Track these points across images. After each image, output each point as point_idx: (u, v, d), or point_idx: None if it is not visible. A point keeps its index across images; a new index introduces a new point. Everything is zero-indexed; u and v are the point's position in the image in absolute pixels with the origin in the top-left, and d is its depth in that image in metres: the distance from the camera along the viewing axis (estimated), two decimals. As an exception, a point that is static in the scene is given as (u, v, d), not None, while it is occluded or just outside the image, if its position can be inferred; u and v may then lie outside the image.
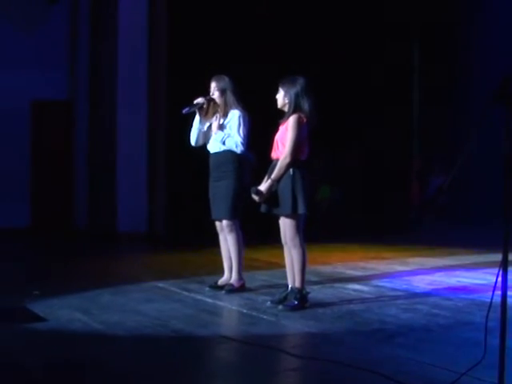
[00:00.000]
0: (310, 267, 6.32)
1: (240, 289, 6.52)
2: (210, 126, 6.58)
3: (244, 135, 6.39)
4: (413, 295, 6.49)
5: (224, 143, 6.44)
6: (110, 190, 11.89)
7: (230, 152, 6.43)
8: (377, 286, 6.97)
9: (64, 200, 12.80)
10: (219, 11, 11.85)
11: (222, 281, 6.67)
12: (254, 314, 5.63)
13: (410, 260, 8.96)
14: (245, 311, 5.77)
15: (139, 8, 11.88)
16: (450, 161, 12.95)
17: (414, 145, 14.31)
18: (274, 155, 5.89)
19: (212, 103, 6.54)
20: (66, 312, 5.65)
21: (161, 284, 7.00)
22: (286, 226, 5.78)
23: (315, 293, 6.29)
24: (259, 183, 5.87)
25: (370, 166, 13.34)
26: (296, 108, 5.74)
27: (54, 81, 12.68)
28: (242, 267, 6.58)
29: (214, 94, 6.53)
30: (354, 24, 12.85)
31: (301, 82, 5.79)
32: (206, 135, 6.61)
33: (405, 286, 6.98)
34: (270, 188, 5.74)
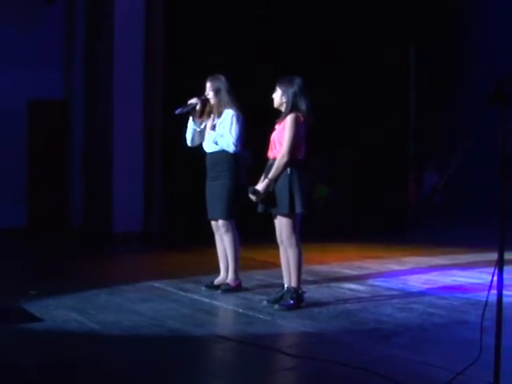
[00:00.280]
0: (306, 267, 6.33)
1: (236, 288, 6.53)
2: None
3: (237, 135, 6.37)
4: (408, 294, 6.50)
5: (216, 143, 6.44)
6: (105, 190, 11.89)
7: (224, 152, 6.42)
8: (373, 286, 6.98)
9: (60, 200, 12.78)
10: (215, 10, 11.85)
11: (218, 280, 6.67)
12: (251, 313, 5.64)
13: (406, 259, 8.98)
14: (241, 311, 5.77)
15: (135, 8, 11.88)
16: (445, 159, 12.98)
17: (410, 144, 14.32)
18: (270, 154, 5.89)
19: (207, 103, 6.55)
20: (62, 312, 5.64)
21: (157, 284, 7.00)
22: (282, 225, 5.78)
23: (311, 292, 6.30)
24: (256, 182, 5.87)
25: (366, 165, 13.35)
26: (293, 107, 5.74)
27: (49, 80, 12.66)
28: (238, 267, 6.58)
29: (209, 93, 6.53)
30: (351, 24, 12.86)
31: (298, 81, 5.80)
32: (202, 135, 6.62)
33: (400, 286, 6.99)
34: (267, 187, 5.74)
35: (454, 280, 7.34)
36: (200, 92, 6.59)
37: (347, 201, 13.25)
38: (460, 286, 6.98)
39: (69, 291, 6.48)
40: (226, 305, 6.06)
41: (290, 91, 5.76)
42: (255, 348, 4.57)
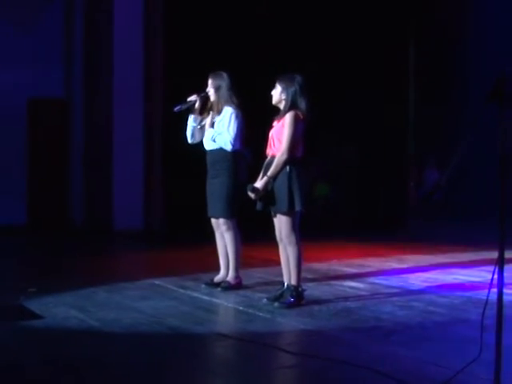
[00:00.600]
0: (305, 265, 6.33)
1: (236, 286, 6.52)
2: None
3: (235, 133, 6.36)
4: (408, 292, 6.50)
5: (214, 141, 6.43)
6: (106, 188, 11.89)
7: (223, 150, 6.41)
8: (373, 284, 6.98)
9: (60, 197, 12.79)
10: (215, 8, 11.85)
11: (218, 278, 6.66)
12: (250, 311, 5.64)
13: (406, 257, 8.97)
14: (241, 308, 5.77)
15: (135, 5, 11.88)
16: (445, 155, 13.01)
17: (409, 143, 14.32)
18: (269, 152, 5.88)
19: (208, 100, 6.54)
20: (62, 309, 5.65)
21: (157, 281, 7.00)
22: (281, 223, 5.77)
23: (311, 290, 6.29)
24: (255, 180, 5.86)
25: (366, 162, 13.35)
26: (292, 105, 5.73)
27: (50, 79, 12.66)
28: (239, 265, 6.58)
29: (210, 90, 6.52)
30: (352, 23, 12.86)
31: (298, 79, 5.79)
32: (202, 132, 6.60)
33: (401, 284, 6.99)
34: (266, 185, 5.73)
35: (454, 278, 7.34)
36: (200, 89, 6.58)
37: (347, 199, 13.25)
38: (460, 284, 6.98)
39: (69, 288, 6.49)
40: (225, 302, 6.06)
41: (291, 89, 5.74)
42: (255, 346, 4.57)
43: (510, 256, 3.94)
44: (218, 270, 6.73)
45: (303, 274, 5.99)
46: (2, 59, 12.14)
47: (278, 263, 6.07)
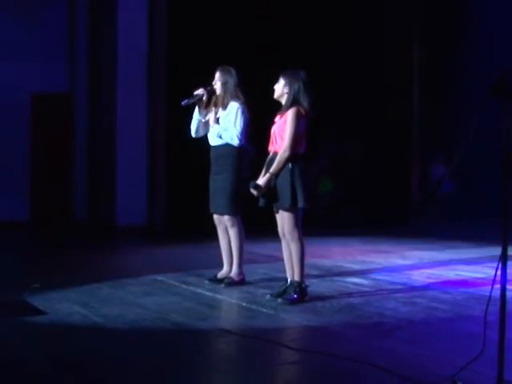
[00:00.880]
0: (309, 261, 6.33)
1: (240, 282, 6.52)
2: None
3: (241, 128, 6.36)
4: (412, 289, 6.50)
5: (220, 137, 6.42)
6: (109, 184, 11.90)
7: (228, 145, 6.40)
8: (376, 280, 6.98)
9: (63, 193, 12.80)
10: (218, 6, 11.88)
11: (221, 274, 6.66)
12: (254, 307, 5.64)
13: (409, 254, 8.97)
14: (244, 304, 5.77)
15: (139, 1, 11.87)
16: (450, 151, 13.02)
17: (414, 139, 14.31)
18: (271, 148, 5.87)
19: (213, 94, 6.51)
20: (65, 305, 5.65)
21: (160, 277, 7.00)
22: (284, 219, 5.77)
23: (314, 286, 6.29)
24: (258, 176, 5.86)
25: (369, 159, 13.35)
26: (295, 101, 5.72)
27: (53, 73, 12.67)
28: (242, 261, 6.57)
29: (216, 83, 6.49)
30: (356, 21, 12.86)
31: (303, 76, 5.77)
32: (206, 126, 6.58)
33: (404, 280, 6.99)
34: (268, 182, 5.73)
35: (457, 274, 7.33)
36: (204, 84, 6.54)
37: (350, 195, 13.25)
38: (463, 280, 6.98)
39: (72, 284, 6.49)
40: (229, 298, 6.06)
41: (294, 85, 5.73)
42: (258, 342, 4.57)
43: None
44: (221, 265, 6.73)
45: (306, 271, 6.00)
46: (5, 53, 12.15)
47: (282, 259, 6.07)
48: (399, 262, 8.30)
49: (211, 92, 6.49)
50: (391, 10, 13.15)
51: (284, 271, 6.02)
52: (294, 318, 5.32)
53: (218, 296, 6.14)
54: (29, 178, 12.64)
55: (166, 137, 11.82)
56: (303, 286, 5.81)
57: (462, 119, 12.94)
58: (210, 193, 6.60)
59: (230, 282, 6.49)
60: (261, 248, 8.87)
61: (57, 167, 12.79)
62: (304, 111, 5.70)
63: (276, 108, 5.90)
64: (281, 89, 5.81)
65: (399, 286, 6.62)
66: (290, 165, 5.67)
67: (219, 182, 6.44)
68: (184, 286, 6.58)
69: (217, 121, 6.43)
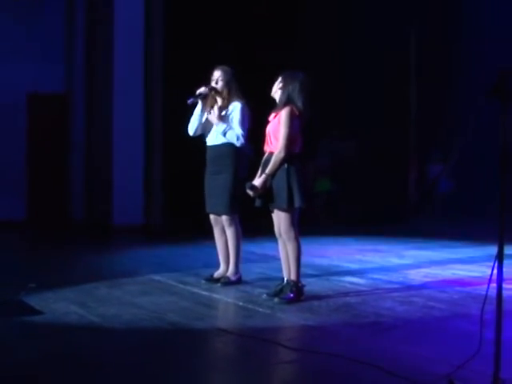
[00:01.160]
0: (305, 260, 6.32)
1: (236, 282, 6.52)
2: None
3: (245, 128, 6.37)
4: (408, 288, 6.50)
5: (225, 135, 6.39)
6: (106, 183, 11.89)
7: (229, 145, 6.38)
8: (373, 279, 6.98)
9: (60, 192, 12.80)
10: (215, 5, 11.89)
11: (217, 273, 6.66)
12: (250, 306, 5.64)
13: (406, 253, 8.98)
14: (241, 304, 5.77)
15: (136, 1, 11.85)
16: (448, 150, 13.03)
17: (411, 138, 14.33)
18: (266, 149, 5.88)
19: (213, 93, 6.49)
20: (62, 305, 5.65)
21: (157, 277, 7.00)
22: (280, 219, 5.77)
23: (311, 286, 6.29)
24: (254, 176, 5.86)
25: (366, 158, 13.36)
26: (288, 100, 5.73)
27: (50, 74, 12.66)
28: (239, 261, 6.57)
29: (219, 83, 6.47)
30: (354, 21, 12.88)
31: (301, 77, 5.78)
32: (204, 125, 6.56)
33: (401, 279, 6.99)
34: (264, 183, 5.73)
35: (453, 273, 7.34)
36: (200, 83, 6.52)
37: (348, 194, 13.26)
38: (460, 279, 6.98)
39: (69, 284, 6.49)
40: (225, 298, 6.06)
41: (290, 85, 5.74)
42: (255, 341, 4.57)
43: (509, 251, 3.94)
44: (217, 265, 6.73)
45: (303, 270, 6.00)
46: (2, 53, 12.14)
47: (278, 259, 6.08)
48: (396, 261, 8.30)
49: (212, 90, 6.46)
50: (389, 12, 13.16)
51: (280, 270, 6.02)
52: (290, 318, 5.33)
53: (215, 295, 6.14)
54: (26, 177, 12.63)
55: (163, 136, 11.82)
56: (300, 285, 5.82)
57: (459, 118, 12.96)
58: (206, 193, 6.59)
59: (226, 282, 6.49)
60: (257, 247, 8.87)
61: (54, 167, 12.79)
62: (298, 111, 5.71)
63: (271, 108, 5.90)
64: (276, 85, 5.84)
65: (396, 285, 6.62)
66: (285, 165, 5.68)
67: (219, 182, 6.41)
68: (181, 285, 6.58)
69: (222, 119, 6.39)
